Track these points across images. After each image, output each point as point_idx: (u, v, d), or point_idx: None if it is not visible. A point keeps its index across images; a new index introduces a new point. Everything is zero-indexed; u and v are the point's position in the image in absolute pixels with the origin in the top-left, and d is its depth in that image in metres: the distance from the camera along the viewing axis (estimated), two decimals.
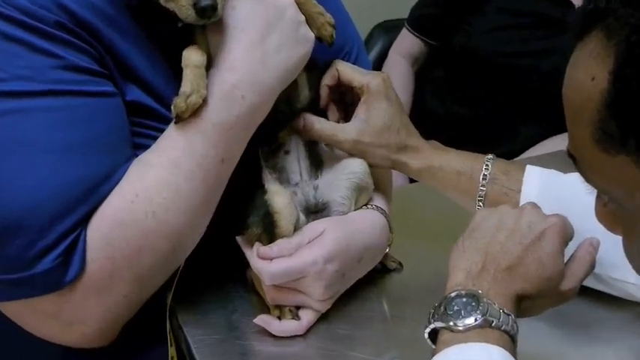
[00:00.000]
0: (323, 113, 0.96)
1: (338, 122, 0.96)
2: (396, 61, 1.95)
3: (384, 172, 1.03)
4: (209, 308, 0.93)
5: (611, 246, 0.68)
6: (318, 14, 0.90)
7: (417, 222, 1.12)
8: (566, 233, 0.75)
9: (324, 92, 0.96)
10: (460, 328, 0.66)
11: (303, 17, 0.88)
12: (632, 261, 0.63)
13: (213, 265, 0.97)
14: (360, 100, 0.95)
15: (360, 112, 0.95)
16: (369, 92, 0.94)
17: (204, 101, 0.81)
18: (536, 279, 0.71)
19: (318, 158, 0.95)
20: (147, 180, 0.80)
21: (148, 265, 0.81)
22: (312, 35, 0.89)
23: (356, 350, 0.86)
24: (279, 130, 0.93)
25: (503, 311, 0.67)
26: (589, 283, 0.83)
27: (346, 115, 0.98)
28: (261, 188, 0.90)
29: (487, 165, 0.92)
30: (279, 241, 0.87)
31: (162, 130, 0.84)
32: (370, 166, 0.95)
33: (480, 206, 0.92)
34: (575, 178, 0.63)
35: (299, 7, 0.88)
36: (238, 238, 0.90)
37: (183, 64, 0.81)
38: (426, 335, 0.70)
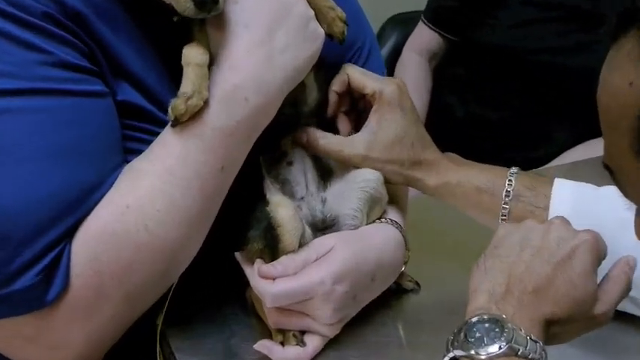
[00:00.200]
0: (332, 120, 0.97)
1: (349, 134, 0.97)
2: (411, 58, 1.95)
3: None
4: (204, 332, 0.93)
5: None
6: (328, 8, 0.91)
7: (435, 237, 1.12)
8: (599, 251, 0.75)
9: (332, 99, 0.97)
10: (482, 357, 0.66)
11: (312, 12, 0.89)
12: None
13: (210, 283, 0.97)
14: (372, 107, 0.96)
15: (370, 122, 0.95)
16: (382, 100, 0.95)
17: (205, 103, 0.81)
18: (567, 302, 0.71)
19: (327, 167, 0.95)
20: (139, 189, 0.81)
21: (139, 282, 0.81)
22: (322, 31, 0.89)
23: None
24: (282, 136, 0.93)
25: (530, 338, 0.67)
26: (625, 306, 0.84)
27: (358, 125, 0.98)
28: (262, 199, 0.90)
29: (510, 180, 0.93)
30: (282, 258, 0.87)
31: (156, 134, 0.84)
32: None
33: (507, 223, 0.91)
34: (611, 191, 0.64)
35: (307, 1, 0.89)
36: (237, 255, 0.91)
37: (183, 63, 0.82)
38: None
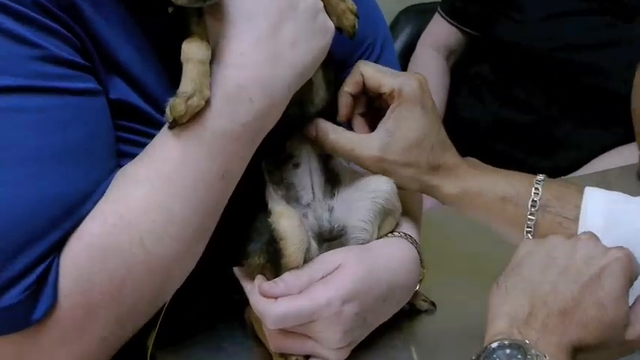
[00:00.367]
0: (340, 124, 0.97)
1: None
2: (426, 54, 1.95)
3: (414, 192, 1.01)
4: (198, 355, 0.94)
5: None
6: (338, 0, 0.91)
7: (452, 253, 1.12)
8: (632, 270, 0.76)
9: (344, 100, 0.96)
10: None
11: (321, 4, 0.89)
12: None
13: (205, 302, 0.98)
14: (388, 107, 0.95)
15: (388, 121, 0.94)
16: (401, 98, 0.94)
17: (206, 104, 0.81)
18: (595, 326, 0.72)
19: (335, 173, 0.96)
20: (133, 199, 0.80)
21: (131, 301, 0.81)
22: (331, 25, 0.90)
23: None
24: (287, 139, 0.94)
25: None
26: None
27: (374, 127, 0.96)
28: (264, 209, 0.90)
29: (537, 188, 0.92)
30: (285, 275, 0.87)
31: (151, 136, 0.84)
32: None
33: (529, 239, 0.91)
34: None
35: None
36: (236, 270, 0.91)
37: (182, 59, 0.81)
38: None
